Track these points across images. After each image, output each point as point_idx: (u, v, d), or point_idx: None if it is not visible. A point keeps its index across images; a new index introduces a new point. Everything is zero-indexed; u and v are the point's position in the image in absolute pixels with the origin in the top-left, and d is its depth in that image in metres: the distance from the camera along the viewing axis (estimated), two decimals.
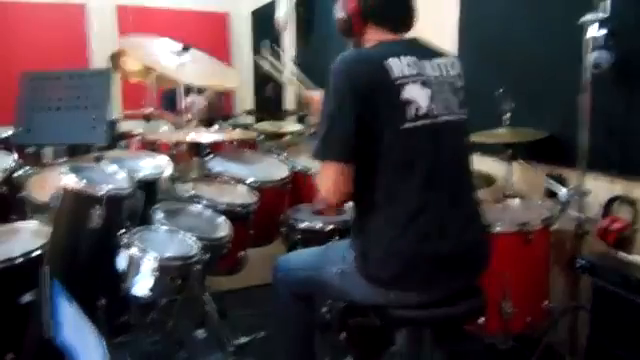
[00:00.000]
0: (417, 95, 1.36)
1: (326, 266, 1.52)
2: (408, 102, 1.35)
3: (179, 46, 2.61)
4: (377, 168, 1.37)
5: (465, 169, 1.49)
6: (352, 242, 1.48)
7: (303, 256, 1.69)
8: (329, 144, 1.37)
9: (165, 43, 2.59)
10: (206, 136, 2.57)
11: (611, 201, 2.03)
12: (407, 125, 1.34)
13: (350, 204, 1.52)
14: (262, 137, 3.46)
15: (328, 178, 1.38)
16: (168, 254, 1.70)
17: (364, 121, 1.33)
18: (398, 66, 1.35)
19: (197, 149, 2.68)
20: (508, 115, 2.20)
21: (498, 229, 1.91)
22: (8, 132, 2.63)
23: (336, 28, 1.56)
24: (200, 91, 3.81)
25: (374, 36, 1.47)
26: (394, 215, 1.37)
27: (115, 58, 3.44)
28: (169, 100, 3.86)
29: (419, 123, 1.36)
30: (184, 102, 2.75)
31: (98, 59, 5.09)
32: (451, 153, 1.42)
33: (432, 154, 1.37)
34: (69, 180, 1.63)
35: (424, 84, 1.38)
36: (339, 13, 1.50)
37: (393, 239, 1.36)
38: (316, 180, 1.48)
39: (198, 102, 3.89)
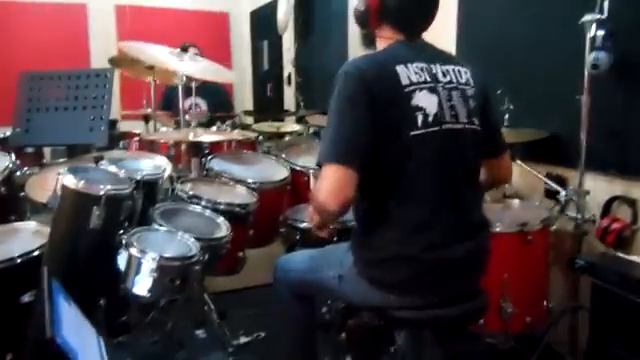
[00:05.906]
0: (426, 102, 1.34)
1: (324, 270, 1.52)
2: (418, 109, 1.33)
3: (177, 50, 2.61)
4: (383, 174, 1.35)
5: (471, 178, 1.45)
6: (352, 246, 1.46)
7: (302, 258, 1.68)
8: (336, 147, 1.31)
9: (163, 49, 2.59)
10: (205, 136, 2.57)
11: (610, 201, 2.04)
12: (416, 132, 1.33)
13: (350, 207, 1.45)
14: (261, 137, 3.46)
15: (330, 181, 1.29)
16: (167, 254, 1.70)
17: (375, 126, 1.30)
18: (406, 73, 1.34)
19: (196, 150, 2.68)
20: (507, 115, 2.21)
21: (498, 229, 1.90)
22: (7, 132, 2.63)
23: (354, 16, 1.50)
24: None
25: (387, 35, 1.44)
26: (399, 221, 1.36)
27: (114, 62, 3.44)
28: (169, 100, 3.87)
29: (428, 130, 1.34)
30: (185, 103, 2.75)
31: (98, 59, 5.10)
32: (457, 161, 1.39)
33: (438, 161, 1.36)
34: (68, 180, 1.63)
35: (432, 91, 1.36)
36: (358, 3, 1.45)
37: (397, 246, 1.35)
38: (315, 185, 1.37)
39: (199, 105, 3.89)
